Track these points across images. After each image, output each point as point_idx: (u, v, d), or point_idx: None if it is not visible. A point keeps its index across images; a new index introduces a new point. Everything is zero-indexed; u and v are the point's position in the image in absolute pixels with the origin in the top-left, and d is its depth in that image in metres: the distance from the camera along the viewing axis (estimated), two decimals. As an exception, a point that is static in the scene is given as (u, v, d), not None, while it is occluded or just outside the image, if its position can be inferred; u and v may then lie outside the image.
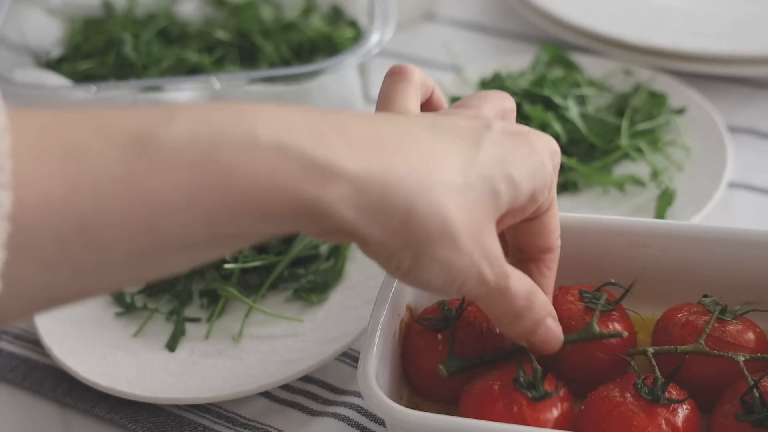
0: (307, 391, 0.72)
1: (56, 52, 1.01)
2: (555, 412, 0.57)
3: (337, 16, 1.03)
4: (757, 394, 0.57)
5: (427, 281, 0.52)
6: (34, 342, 0.76)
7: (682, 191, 0.83)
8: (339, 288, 0.77)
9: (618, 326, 0.62)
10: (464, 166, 0.51)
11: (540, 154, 0.55)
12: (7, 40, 0.96)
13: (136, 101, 0.85)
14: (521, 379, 0.58)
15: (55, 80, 0.87)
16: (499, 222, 0.54)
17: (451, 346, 0.62)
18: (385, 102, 0.58)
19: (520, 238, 0.60)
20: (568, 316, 0.63)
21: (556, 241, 0.60)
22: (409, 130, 0.52)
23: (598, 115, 0.88)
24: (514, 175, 0.53)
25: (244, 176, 0.44)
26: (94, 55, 0.95)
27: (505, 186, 0.52)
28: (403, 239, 0.49)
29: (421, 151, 0.50)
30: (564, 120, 0.86)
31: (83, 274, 0.43)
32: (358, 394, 0.71)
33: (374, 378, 0.57)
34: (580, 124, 0.86)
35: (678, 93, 0.93)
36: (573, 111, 0.87)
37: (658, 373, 0.58)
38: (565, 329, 0.61)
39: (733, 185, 0.87)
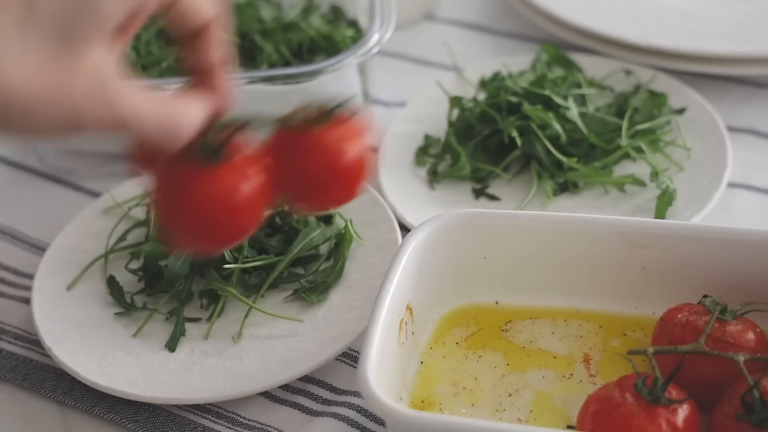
0: (307, 391, 0.72)
1: (56, 52, 1.01)
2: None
3: (337, 16, 1.03)
4: (758, 394, 0.57)
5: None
6: (34, 342, 0.76)
7: (682, 191, 0.83)
8: (339, 288, 0.77)
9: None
10: (18, 23, 0.47)
11: None
12: (6, 39, 0.96)
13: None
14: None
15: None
16: (118, 35, 0.50)
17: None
18: None
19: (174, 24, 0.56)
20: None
21: (209, 12, 0.56)
22: None
23: (599, 115, 0.88)
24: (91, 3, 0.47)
25: None
26: (94, 55, 0.95)
27: (79, 21, 0.47)
28: None
29: None
30: (564, 120, 0.86)
31: None
32: (358, 394, 0.71)
33: (374, 378, 0.57)
34: (580, 124, 0.86)
35: (678, 93, 0.93)
36: (573, 111, 0.87)
37: (659, 374, 0.58)
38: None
39: (733, 185, 0.87)
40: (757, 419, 0.56)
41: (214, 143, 0.58)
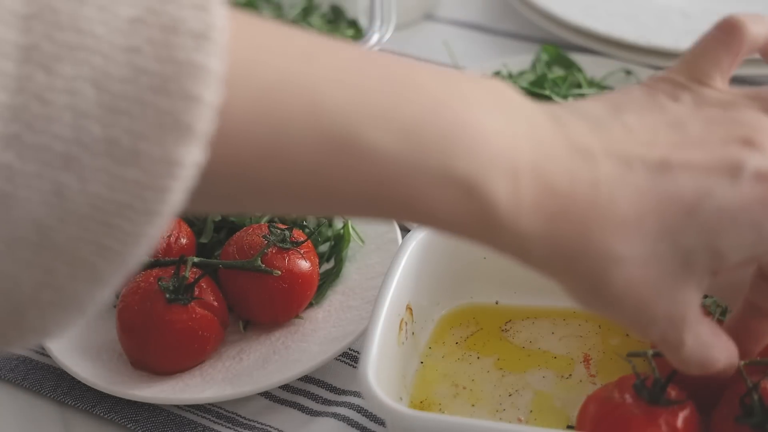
0: (307, 391, 0.72)
1: (56, 51, 1.00)
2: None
3: (337, 16, 1.03)
4: (756, 397, 0.57)
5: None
6: (34, 342, 0.76)
7: (681, 192, 0.83)
8: (339, 288, 0.77)
9: None
10: (657, 235, 0.47)
11: None
12: (7, 39, 0.96)
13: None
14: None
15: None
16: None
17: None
18: (687, 61, 0.57)
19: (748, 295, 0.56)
20: None
21: None
22: (615, 184, 0.47)
23: (598, 116, 0.88)
24: (722, 248, 0.47)
25: (426, 205, 0.44)
26: (94, 54, 0.95)
27: (703, 258, 0.48)
28: (585, 298, 0.50)
29: (606, 220, 0.46)
30: (564, 120, 0.86)
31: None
32: (358, 394, 0.71)
33: (374, 378, 0.57)
34: (580, 124, 0.86)
35: (678, 93, 0.93)
36: (573, 111, 0.87)
37: (658, 374, 0.58)
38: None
39: (732, 185, 0.87)
40: (756, 422, 0.56)
41: (177, 284, 0.69)
